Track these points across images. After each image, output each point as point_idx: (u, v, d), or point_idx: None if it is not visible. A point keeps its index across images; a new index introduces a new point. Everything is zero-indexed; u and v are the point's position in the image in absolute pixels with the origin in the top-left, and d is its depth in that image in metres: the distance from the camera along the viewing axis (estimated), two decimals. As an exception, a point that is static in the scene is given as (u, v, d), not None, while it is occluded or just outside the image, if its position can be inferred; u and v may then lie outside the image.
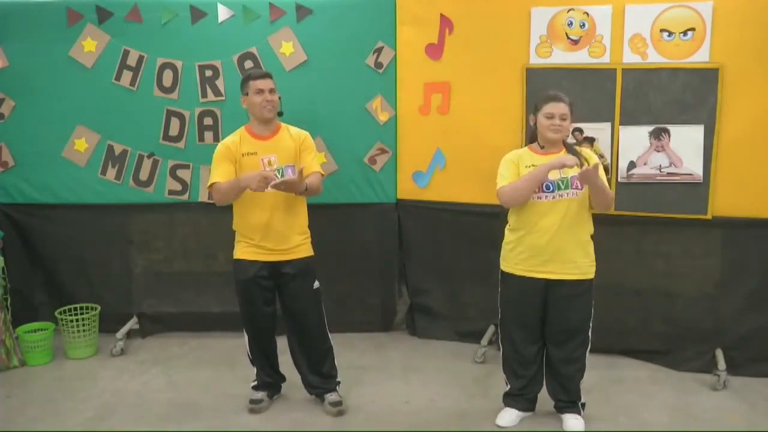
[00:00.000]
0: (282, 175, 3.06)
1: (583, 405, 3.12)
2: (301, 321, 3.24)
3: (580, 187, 2.89)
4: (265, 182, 2.92)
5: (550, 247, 2.91)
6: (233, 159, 3.09)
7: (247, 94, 3.09)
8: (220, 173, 3.09)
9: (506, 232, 3.07)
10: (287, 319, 3.27)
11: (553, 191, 2.90)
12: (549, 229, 2.90)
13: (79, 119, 4.03)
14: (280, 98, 3.13)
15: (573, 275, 2.94)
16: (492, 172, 3.04)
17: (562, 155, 2.91)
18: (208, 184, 3.13)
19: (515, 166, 2.99)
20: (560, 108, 2.90)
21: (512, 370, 3.14)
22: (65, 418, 3.25)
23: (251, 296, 3.18)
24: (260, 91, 3.05)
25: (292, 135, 3.19)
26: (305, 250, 3.20)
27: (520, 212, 2.98)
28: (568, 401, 3.09)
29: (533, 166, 2.93)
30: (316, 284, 3.24)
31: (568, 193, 2.89)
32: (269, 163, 3.09)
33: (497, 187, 2.98)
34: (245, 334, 3.27)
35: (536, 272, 2.96)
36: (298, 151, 3.16)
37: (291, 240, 3.14)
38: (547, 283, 2.96)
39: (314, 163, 3.21)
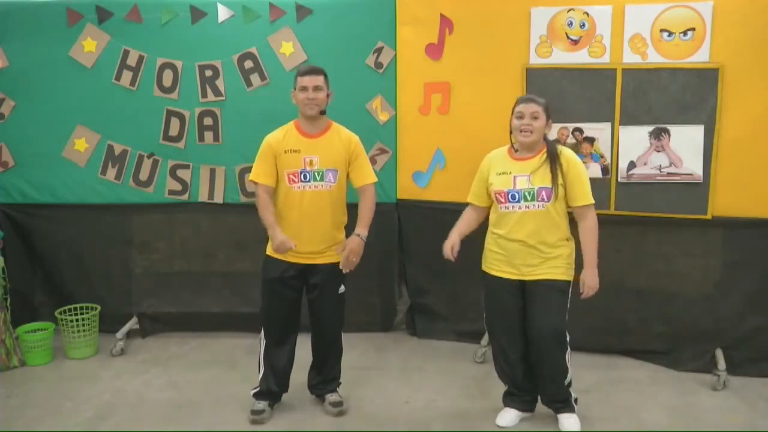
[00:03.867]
0: (322, 179, 3.05)
1: (576, 400, 3.09)
2: (321, 323, 3.23)
3: (546, 199, 2.85)
4: (283, 248, 2.99)
5: (521, 253, 2.90)
6: (274, 156, 3.07)
7: (295, 89, 3.06)
8: (259, 171, 3.09)
9: (488, 231, 3.06)
10: (311, 316, 3.25)
11: (519, 201, 2.88)
12: (519, 237, 2.89)
13: (79, 119, 4.03)
14: (330, 95, 3.09)
15: (547, 275, 2.90)
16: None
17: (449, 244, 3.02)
18: (250, 177, 3.14)
19: (483, 178, 3.00)
20: (531, 107, 2.85)
21: (501, 368, 3.14)
22: (65, 418, 3.25)
23: (275, 295, 3.15)
24: (304, 89, 3.01)
25: (341, 137, 3.13)
26: (336, 256, 3.15)
27: (497, 217, 2.98)
28: (559, 401, 3.07)
29: (505, 174, 2.91)
30: (342, 288, 3.22)
31: (535, 205, 2.86)
32: (310, 163, 3.04)
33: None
34: (263, 336, 3.21)
35: (511, 274, 2.96)
36: (345, 155, 3.11)
37: (321, 245, 3.11)
38: (522, 283, 2.95)
39: (369, 172, 3.17)
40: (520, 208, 2.88)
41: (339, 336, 3.28)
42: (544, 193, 2.85)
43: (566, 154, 2.91)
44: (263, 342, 3.23)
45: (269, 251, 3.15)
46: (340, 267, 3.12)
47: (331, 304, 3.20)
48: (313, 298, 3.20)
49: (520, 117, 2.86)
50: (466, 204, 3.22)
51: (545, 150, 2.90)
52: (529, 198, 2.86)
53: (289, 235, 3.06)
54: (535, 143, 2.89)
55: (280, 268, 3.12)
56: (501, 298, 3.01)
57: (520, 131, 2.87)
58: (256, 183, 3.12)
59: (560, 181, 2.84)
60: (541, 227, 2.87)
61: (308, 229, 3.08)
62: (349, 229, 3.21)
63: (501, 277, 2.98)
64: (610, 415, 3.24)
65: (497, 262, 2.99)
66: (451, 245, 3.04)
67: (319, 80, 3.03)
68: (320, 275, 3.15)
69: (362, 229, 3.15)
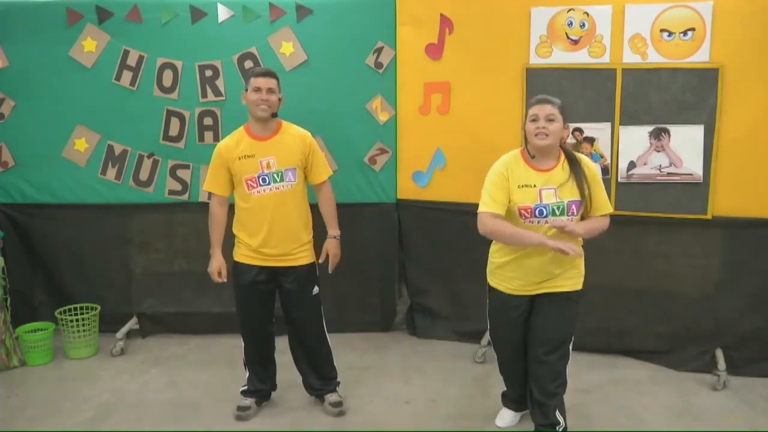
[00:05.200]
0: (282, 179, 3.04)
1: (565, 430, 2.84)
2: (300, 326, 3.24)
3: (576, 212, 2.67)
4: (213, 277, 3.14)
5: (543, 270, 2.73)
6: (226, 165, 3.05)
7: (247, 90, 3.03)
8: (212, 181, 3.12)
9: (493, 246, 2.88)
10: (286, 322, 3.27)
11: (546, 216, 2.67)
12: (542, 252, 2.69)
13: (79, 119, 4.03)
14: (281, 99, 3.08)
15: (559, 288, 2.76)
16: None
17: (562, 244, 2.53)
18: (204, 187, 3.18)
19: (505, 185, 2.69)
20: (545, 109, 2.63)
21: (506, 376, 3.12)
22: (65, 418, 3.26)
23: (248, 301, 3.16)
24: (257, 90, 2.98)
25: (293, 136, 3.11)
26: (306, 257, 3.16)
27: None
28: (547, 424, 2.81)
29: (528, 186, 2.67)
30: (316, 290, 3.21)
31: (563, 220, 2.67)
32: (268, 165, 3.03)
33: (480, 209, 2.70)
34: (242, 339, 3.25)
35: (522, 290, 2.81)
36: (301, 153, 3.10)
37: (291, 246, 3.10)
38: (531, 297, 2.82)
39: (324, 168, 3.20)
40: (546, 222, 2.67)
41: (324, 336, 3.28)
42: (574, 207, 2.66)
43: (585, 161, 2.74)
44: (243, 346, 3.26)
45: (236, 257, 3.15)
46: (330, 271, 3.20)
47: (309, 306, 3.20)
48: (289, 303, 3.19)
49: (535, 120, 2.64)
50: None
51: (564, 158, 2.71)
52: (557, 213, 2.66)
53: (258, 241, 3.06)
54: (552, 148, 2.67)
55: (251, 274, 3.11)
56: (508, 314, 2.88)
57: (536, 135, 2.64)
58: (210, 193, 3.14)
59: (587, 193, 2.67)
60: (565, 239, 2.65)
61: (276, 232, 3.06)
62: (318, 229, 3.23)
63: (512, 294, 2.83)
64: (610, 415, 3.24)
65: (510, 279, 2.82)
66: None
67: (272, 83, 3.01)
68: (294, 278, 3.14)
69: (335, 230, 3.23)
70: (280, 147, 3.06)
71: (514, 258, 2.77)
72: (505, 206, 2.71)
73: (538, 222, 2.70)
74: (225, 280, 3.15)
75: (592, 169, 2.74)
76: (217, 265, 3.13)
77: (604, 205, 2.76)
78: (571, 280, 2.79)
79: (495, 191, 2.70)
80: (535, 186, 2.69)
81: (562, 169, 2.70)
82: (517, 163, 2.74)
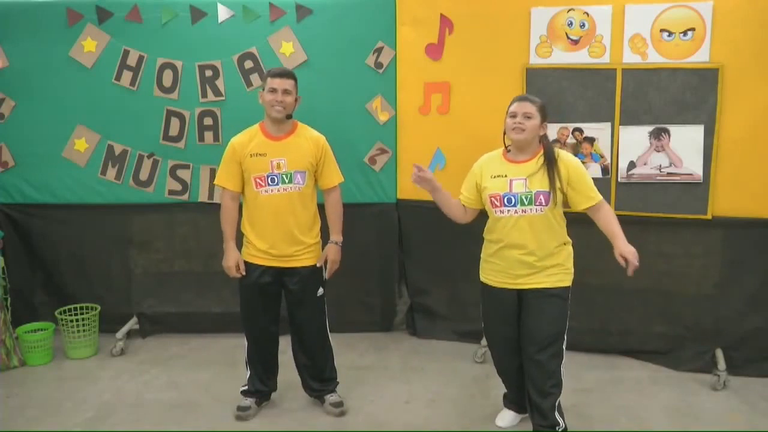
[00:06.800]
0: (291, 181, 3.04)
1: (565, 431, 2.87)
2: (303, 326, 3.23)
3: (545, 203, 2.74)
4: (229, 273, 3.12)
5: (518, 262, 2.78)
6: (238, 161, 3.06)
7: (264, 90, 3.04)
8: (224, 176, 3.11)
9: (484, 240, 2.95)
10: (290, 322, 3.26)
11: (515, 205, 2.77)
12: (516, 243, 2.77)
13: (79, 119, 4.03)
14: (298, 100, 3.07)
15: (544, 284, 2.79)
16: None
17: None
18: (215, 181, 3.18)
19: (475, 181, 2.90)
20: (524, 106, 2.76)
21: (503, 376, 3.12)
22: (65, 418, 3.26)
23: (253, 300, 3.16)
24: (273, 90, 2.99)
25: (307, 139, 3.11)
26: (312, 259, 3.15)
27: (491, 223, 2.87)
28: (546, 426, 2.84)
29: (500, 177, 2.81)
30: (321, 292, 3.21)
31: (532, 209, 2.75)
32: (278, 166, 3.03)
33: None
34: (245, 338, 3.25)
35: (509, 284, 2.85)
36: (314, 156, 3.10)
37: (296, 247, 3.09)
38: (520, 292, 2.85)
39: (336, 173, 3.20)
40: (516, 212, 2.77)
41: (326, 337, 3.28)
42: (542, 197, 2.74)
43: (564, 158, 2.80)
44: (246, 345, 3.25)
45: (244, 256, 3.14)
46: (326, 277, 3.20)
47: (313, 308, 3.20)
48: (293, 304, 3.19)
49: (513, 116, 2.77)
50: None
51: (542, 153, 2.80)
52: (526, 202, 2.75)
53: (264, 243, 3.06)
54: (528, 143, 2.79)
55: (255, 274, 3.11)
56: (499, 309, 2.92)
57: (512, 129, 2.77)
58: (222, 188, 3.14)
59: (558, 185, 2.75)
60: (538, 232, 2.76)
61: (281, 233, 3.06)
62: (325, 231, 3.23)
63: (499, 288, 2.88)
64: (610, 415, 3.24)
65: (494, 273, 2.88)
66: (429, 178, 2.92)
67: (289, 84, 3.01)
68: (299, 279, 3.13)
69: (337, 236, 3.22)
70: (292, 149, 3.06)
71: (496, 250, 2.85)
72: (469, 200, 2.96)
73: (508, 211, 2.78)
74: (243, 273, 3.11)
75: (570, 165, 2.79)
76: (234, 259, 3.10)
77: (588, 198, 2.79)
78: (554, 276, 2.81)
79: (465, 186, 2.99)
80: (506, 176, 2.81)
81: (536, 162, 2.80)
82: (495, 157, 2.91)
